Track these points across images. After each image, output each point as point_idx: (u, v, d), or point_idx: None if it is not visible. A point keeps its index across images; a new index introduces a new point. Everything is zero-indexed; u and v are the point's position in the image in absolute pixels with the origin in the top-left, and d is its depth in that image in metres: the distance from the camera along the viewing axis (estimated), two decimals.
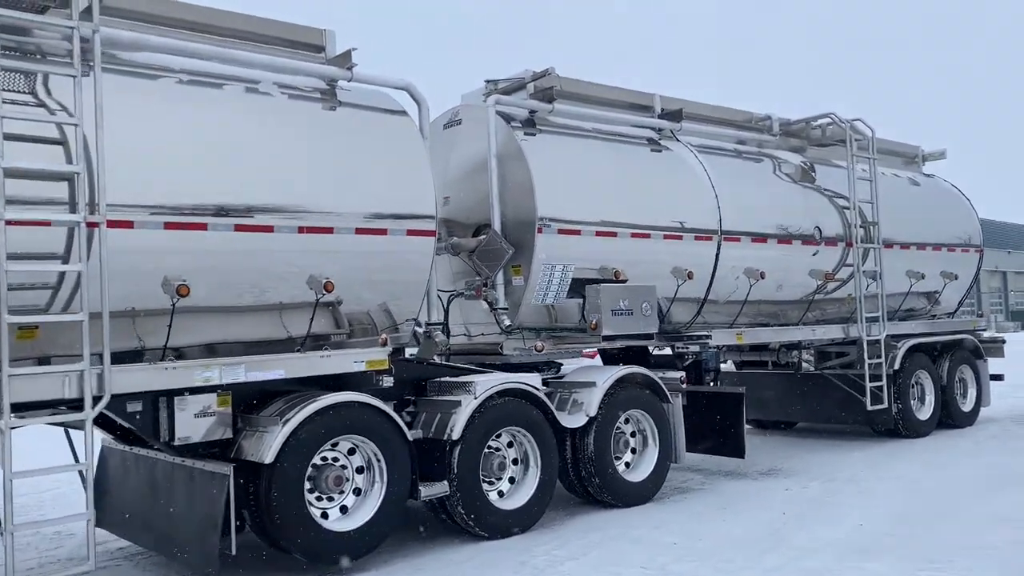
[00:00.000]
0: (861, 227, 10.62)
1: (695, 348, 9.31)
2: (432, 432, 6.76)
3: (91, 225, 5.07)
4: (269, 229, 5.94)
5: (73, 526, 7.31)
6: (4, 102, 4.84)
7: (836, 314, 10.87)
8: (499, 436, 7.14)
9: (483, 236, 7.80)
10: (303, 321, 6.30)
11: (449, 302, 8.00)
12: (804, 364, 11.31)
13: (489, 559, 6.30)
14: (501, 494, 7.12)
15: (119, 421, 5.70)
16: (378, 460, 6.28)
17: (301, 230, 6.09)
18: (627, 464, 8.11)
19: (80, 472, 5.26)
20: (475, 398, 6.79)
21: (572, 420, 7.58)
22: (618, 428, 7.99)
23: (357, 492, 6.30)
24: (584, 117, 8.68)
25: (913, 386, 11.36)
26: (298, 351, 6.30)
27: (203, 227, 5.64)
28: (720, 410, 8.99)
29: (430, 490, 6.54)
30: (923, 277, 11.56)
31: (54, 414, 5.38)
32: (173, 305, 5.53)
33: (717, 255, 9.13)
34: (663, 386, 8.31)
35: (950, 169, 35.88)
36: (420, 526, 7.23)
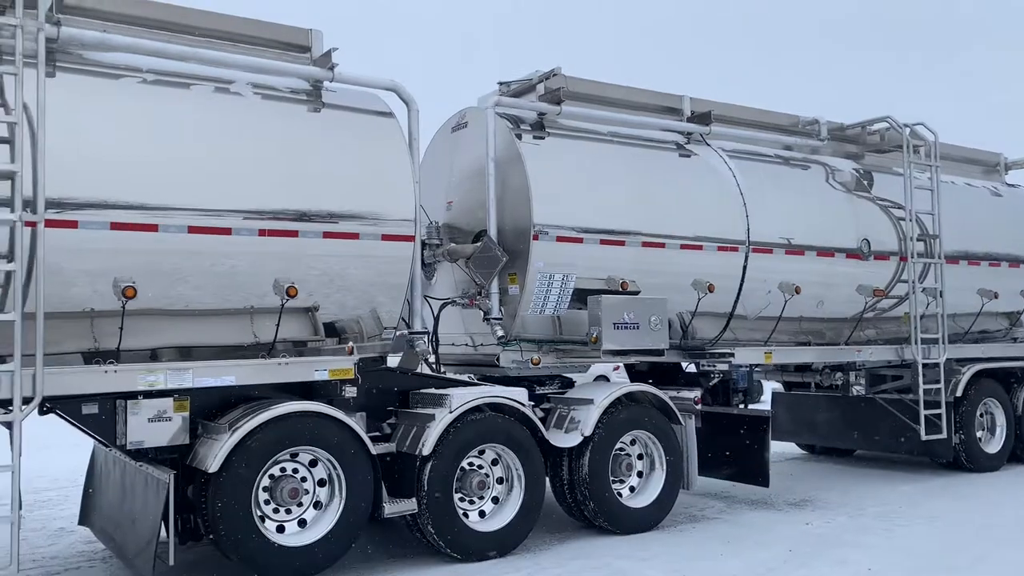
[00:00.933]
0: (919, 240, 9.74)
1: (723, 366, 8.73)
2: (406, 446, 6.47)
3: (29, 224, 5.03)
4: (226, 232, 5.79)
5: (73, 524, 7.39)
6: None
7: (895, 334, 9.99)
8: (482, 453, 6.79)
9: (479, 243, 7.48)
10: (274, 326, 6.14)
11: (440, 310, 7.70)
12: (856, 388, 10.46)
13: None
14: (482, 514, 6.76)
15: (73, 423, 5.65)
16: (336, 473, 6.04)
17: (262, 232, 5.93)
18: (632, 488, 7.61)
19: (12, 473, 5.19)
20: (450, 412, 6.46)
21: (565, 439, 7.15)
22: (620, 449, 7.51)
23: (318, 506, 6.08)
24: (600, 120, 8.24)
25: (981, 415, 10.34)
26: (262, 357, 6.13)
27: (154, 228, 5.54)
28: (743, 434, 8.36)
29: (396, 507, 6.25)
30: (996, 296, 10.51)
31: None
32: (123, 306, 5.45)
33: (744, 267, 8.51)
34: (672, 406, 7.77)
35: None
36: (391, 545, 6.96)
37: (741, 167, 8.83)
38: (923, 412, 9.46)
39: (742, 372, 8.98)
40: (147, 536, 5.49)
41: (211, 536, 5.78)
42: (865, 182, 9.85)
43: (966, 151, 11.50)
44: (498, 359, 7.58)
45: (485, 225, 7.52)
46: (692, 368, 8.94)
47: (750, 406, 9.15)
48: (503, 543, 6.69)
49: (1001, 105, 47.21)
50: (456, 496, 6.58)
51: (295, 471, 6.03)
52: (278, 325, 6.11)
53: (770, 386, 11.39)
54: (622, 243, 7.81)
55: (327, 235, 6.20)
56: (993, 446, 10.38)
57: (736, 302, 8.57)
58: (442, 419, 6.41)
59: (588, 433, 7.15)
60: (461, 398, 6.56)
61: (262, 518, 5.84)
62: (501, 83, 8.47)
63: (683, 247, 8.14)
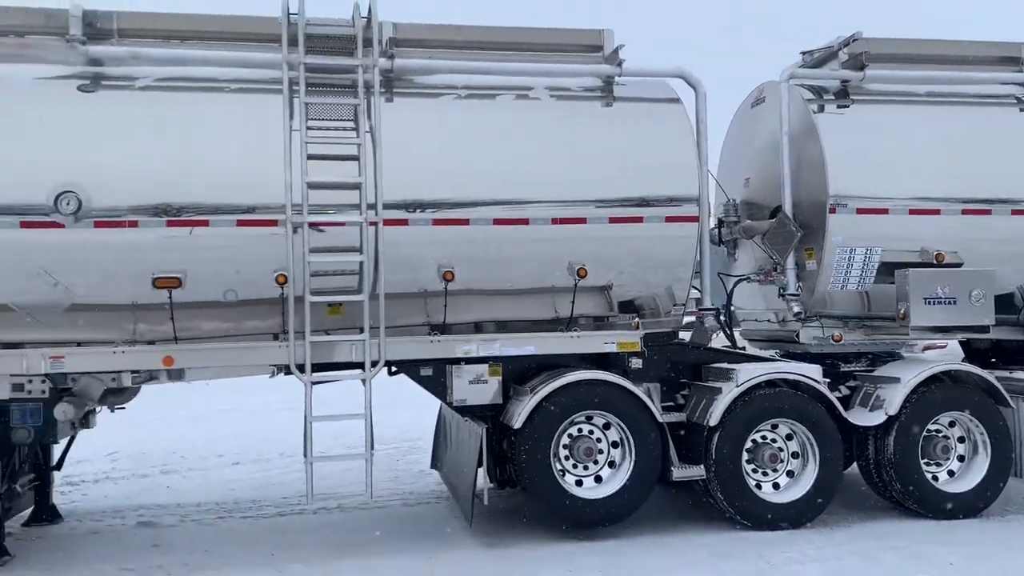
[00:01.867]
0: None
1: None
2: (695, 417, 6.83)
3: (372, 224, 6.28)
4: (524, 222, 6.63)
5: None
6: (310, 128, 6.24)
7: None
8: (776, 427, 6.90)
9: (774, 219, 7.50)
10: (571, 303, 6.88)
11: (733, 287, 7.84)
12: None
13: (726, 550, 6.21)
14: (776, 486, 6.89)
15: (413, 381, 6.89)
16: (626, 436, 6.62)
17: (554, 221, 6.67)
18: (951, 473, 7.14)
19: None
20: (737, 386, 6.68)
21: (867, 418, 6.96)
22: (936, 431, 7.09)
23: (612, 465, 6.72)
24: (912, 81, 7.71)
25: None
26: (560, 330, 6.89)
27: (465, 222, 6.54)
28: None
29: (684, 472, 6.67)
30: None
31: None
32: (445, 288, 6.54)
33: None
34: (1000, 387, 7.11)
35: None
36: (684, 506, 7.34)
37: None
38: None
39: None
40: (469, 479, 6.57)
41: (520, 485, 6.72)
42: None
43: None
44: (797, 335, 7.56)
45: (780, 200, 7.52)
46: None
47: None
48: (796, 516, 6.76)
49: None
50: (749, 467, 6.80)
51: (590, 432, 6.73)
52: (573, 302, 6.83)
53: None
54: (937, 211, 7.29)
55: (612, 220, 6.75)
56: None
57: None
58: (728, 392, 6.66)
59: (893, 412, 6.88)
60: (748, 373, 6.74)
61: (562, 472, 6.63)
62: (804, 52, 8.30)
63: (1014, 212, 7.35)
